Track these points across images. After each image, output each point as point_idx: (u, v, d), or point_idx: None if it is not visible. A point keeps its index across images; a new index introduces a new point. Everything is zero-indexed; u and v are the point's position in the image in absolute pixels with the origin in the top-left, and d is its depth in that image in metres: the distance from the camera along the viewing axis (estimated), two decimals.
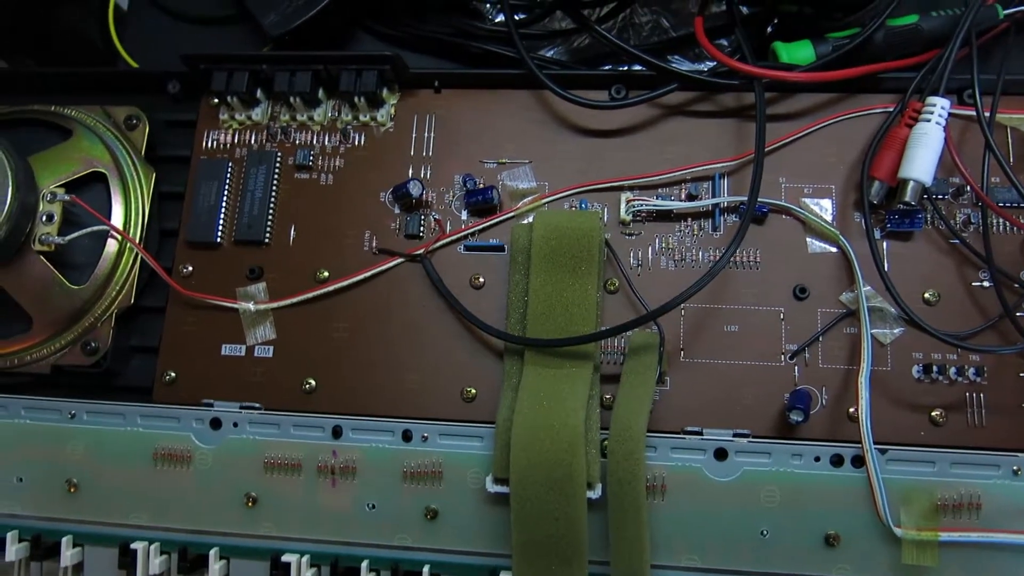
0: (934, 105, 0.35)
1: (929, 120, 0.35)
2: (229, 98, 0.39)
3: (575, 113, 0.39)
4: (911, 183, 0.34)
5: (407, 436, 0.34)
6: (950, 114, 0.36)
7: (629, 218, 0.37)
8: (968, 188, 0.36)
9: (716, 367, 0.35)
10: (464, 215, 0.38)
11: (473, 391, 0.36)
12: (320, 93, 0.39)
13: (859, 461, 0.32)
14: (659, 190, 0.38)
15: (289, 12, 0.38)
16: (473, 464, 0.34)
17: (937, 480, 0.32)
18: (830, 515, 0.32)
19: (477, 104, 0.39)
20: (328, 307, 0.37)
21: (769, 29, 0.41)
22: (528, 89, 0.39)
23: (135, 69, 0.42)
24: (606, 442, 0.32)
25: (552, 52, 0.42)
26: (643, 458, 0.31)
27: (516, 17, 0.41)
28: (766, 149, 0.37)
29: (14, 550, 0.36)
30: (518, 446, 0.31)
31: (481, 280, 0.37)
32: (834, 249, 0.36)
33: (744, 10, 0.40)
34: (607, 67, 0.41)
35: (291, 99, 0.38)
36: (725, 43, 0.41)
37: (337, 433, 0.35)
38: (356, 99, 0.38)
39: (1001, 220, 0.36)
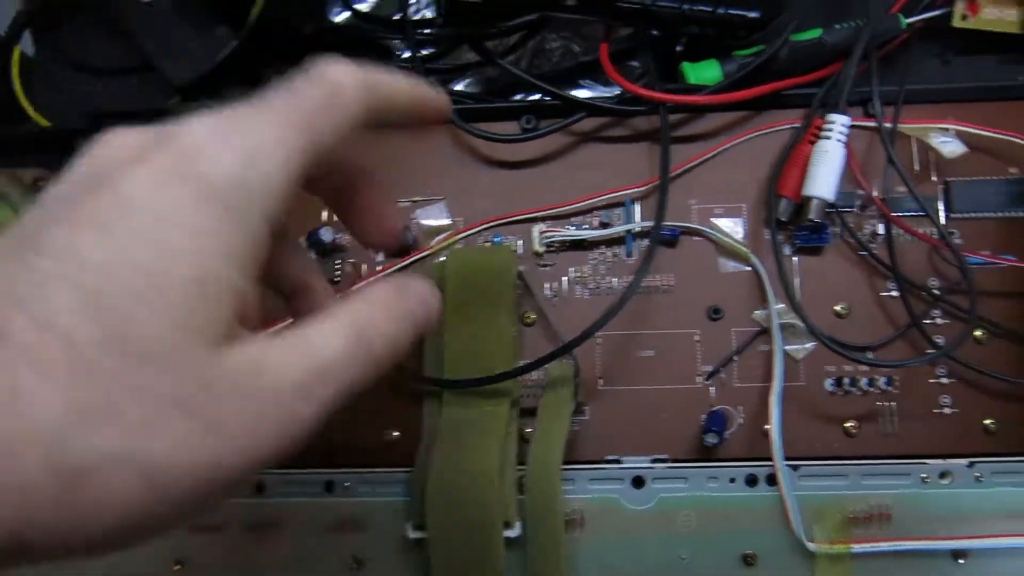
0: (833, 122, 0.37)
1: (830, 138, 0.37)
2: None
3: (488, 146, 0.41)
4: (814, 200, 0.37)
5: (329, 487, 0.37)
6: (853, 127, 0.38)
7: (543, 249, 0.39)
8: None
9: (634, 393, 0.38)
10: (380, 256, 0.40)
11: (396, 434, 0.38)
12: None
13: (773, 479, 0.35)
14: (572, 219, 0.40)
15: (192, 61, 0.40)
16: (395, 511, 0.36)
17: (849, 493, 0.35)
18: (747, 535, 0.35)
19: (388, 142, 0.41)
20: None
21: (679, 48, 0.43)
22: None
23: (40, 129, 0.43)
24: (524, 479, 0.34)
25: (465, 84, 0.44)
26: (559, 494, 0.34)
27: (424, 52, 0.43)
28: (677, 171, 0.39)
29: None
30: (432, 491, 0.33)
31: None
32: (747, 268, 0.39)
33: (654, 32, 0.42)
34: (519, 96, 0.43)
35: None
36: (637, 65, 0.43)
37: (260, 489, 0.37)
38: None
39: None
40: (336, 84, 0.21)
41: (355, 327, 0.21)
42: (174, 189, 0.18)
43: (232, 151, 0.19)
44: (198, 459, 0.17)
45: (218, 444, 0.17)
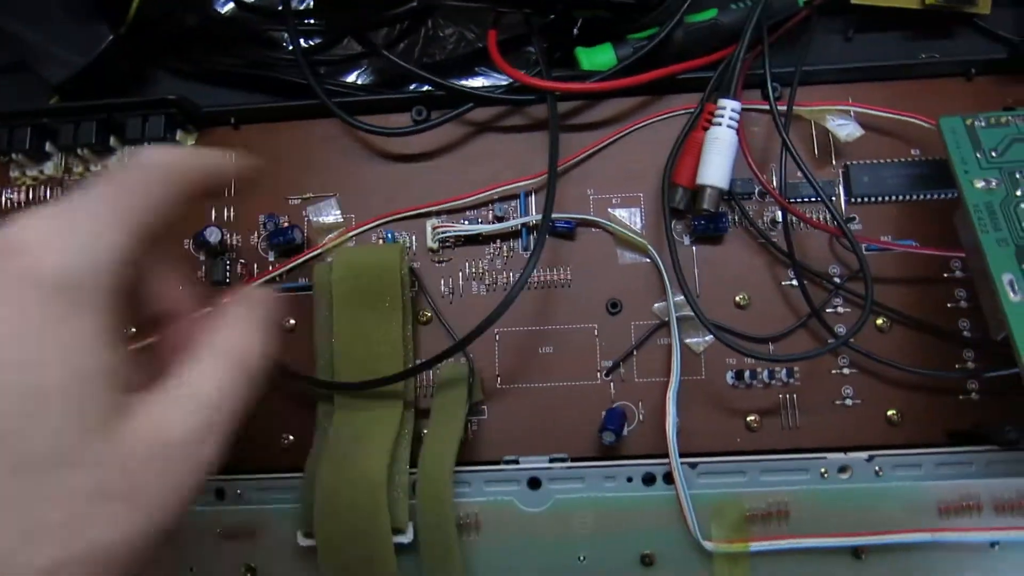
0: (724, 108, 0.36)
1: (720, 124, 0.36)
2: (14, 155, 0.39)
3: (379, 140, 0.39)
4: (707, 189, 0.36)
5: (221, 494, 0.35)
6: (753, 111, 0.38)
7: (437, 245, 0.38)
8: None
9: (533, 391, 0.37)
10: (271, 256, 0.39)
11: (291, 438, 0.37)
12: (112, 140, 0.39)
13: (670, 478, 0.34)
14: (467, 213, 0.39)
15: (68, 58, 0.39)
16: (287, 518, 0.35)
17: (747, 491, 0.34)
18: (645, 535, 0.34)
19: (279, 137, 0.40)
20: None
21: (576, 32, 0.41)
22: (330, 118, 0.40)
23: None
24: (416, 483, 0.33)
25: (357, 75, 0.42)
26: (451, 499, 0.32)
27: (312, 43, 0.41)
28: (573, 160, 0.38)
29: None
30: (321, 497, 0.32)
31: (292, 322, 0.38)
32: (646, 259, 0.38)
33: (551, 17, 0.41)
34: (413, 86, 0.41)
35: (79, 151, 0.39)
36: (534, 51, 0.42)
37: None
38: (146, 145, 0.38)
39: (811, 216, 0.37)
40: (148, 168, 0.22)
41: (231, 357, 0.22)
42: (19, 298, 0.19)
43: (64, 248, 0.19)
44: (130, 529, 0.19)
45: (141, 511, 0.19)
